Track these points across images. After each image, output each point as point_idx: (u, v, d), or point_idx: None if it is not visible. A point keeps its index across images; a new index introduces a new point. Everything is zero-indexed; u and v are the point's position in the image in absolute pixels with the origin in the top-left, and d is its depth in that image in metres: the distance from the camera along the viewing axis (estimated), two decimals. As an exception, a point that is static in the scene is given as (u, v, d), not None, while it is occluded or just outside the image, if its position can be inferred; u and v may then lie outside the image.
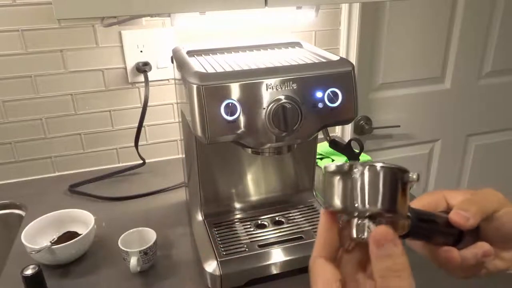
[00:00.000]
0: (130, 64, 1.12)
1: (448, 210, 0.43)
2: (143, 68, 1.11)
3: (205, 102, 0.64)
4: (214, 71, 0.70)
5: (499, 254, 0.43)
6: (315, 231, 0.82)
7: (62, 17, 0.64)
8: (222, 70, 0.71)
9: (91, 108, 1.14)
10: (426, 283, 0.66)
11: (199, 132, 0.66)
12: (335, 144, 0.75)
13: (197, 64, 0.75)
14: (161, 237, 0.87)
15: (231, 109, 0.65)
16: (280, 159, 0.89)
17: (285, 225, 0.85)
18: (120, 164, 1.22)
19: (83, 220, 0.87)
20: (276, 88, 0.67)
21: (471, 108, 1.55)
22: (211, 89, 0.65)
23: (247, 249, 0.77)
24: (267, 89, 0.66)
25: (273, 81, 0.67)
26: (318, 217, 0.87)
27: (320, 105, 0.69)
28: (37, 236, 0.84)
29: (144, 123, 1.12)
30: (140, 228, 0.82)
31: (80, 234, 0.83)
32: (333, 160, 1.16)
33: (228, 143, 0.69)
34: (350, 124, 1.35)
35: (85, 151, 1.18)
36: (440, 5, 1.36)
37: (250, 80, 0.66)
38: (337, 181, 0.35)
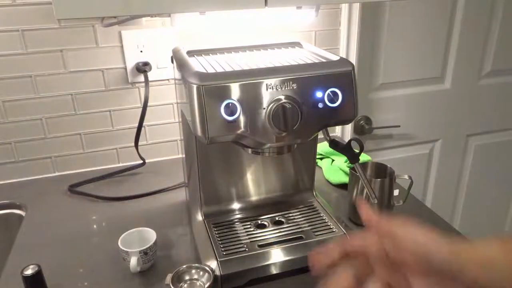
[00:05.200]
0: (130, 64, 1.12)
1: None
2: (143, 68, 1.11)
3: (205, 102, 0.64)
4: (214, 71, 0.70)
5: None
6: (315, 231, 0.82)
7: (62, 17, 0.64)
8: (222, 70, 0.71)
9: (91, 108, 1.14)
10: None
11: (199, 132, 0.66)
12: (335, 144, 0.75)
13: (197, 64, 0.75)
14: (161, 237, 0.87)
15: (231, 109, 0.65)
16: (280, 159, 0.89)
17: (285, 225, 0.85)
18: (120, 164, 1.22)
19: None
20: (276, 88, 0.67)
21: (471, 108, 1.55)
22: (211, 89, 0.65)
23: (247, 249, 0.77)
24: (267, 89, 0.67)
25: (273, 81, 0.67)
26: (318, 217, 0.87)
27: (320, 105, 0.69)
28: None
29: (144, 123, 1.12)
30: (140, 228, 0.82)
31: None
32: (333, 160, 1.16)
33: (228, 143, 0.69)
34: (350, 124, 1.35)
35: (85, 151, 1.18)
36: (440, 5, 1.36)
37: (250, 80, 0.66)
38: None
